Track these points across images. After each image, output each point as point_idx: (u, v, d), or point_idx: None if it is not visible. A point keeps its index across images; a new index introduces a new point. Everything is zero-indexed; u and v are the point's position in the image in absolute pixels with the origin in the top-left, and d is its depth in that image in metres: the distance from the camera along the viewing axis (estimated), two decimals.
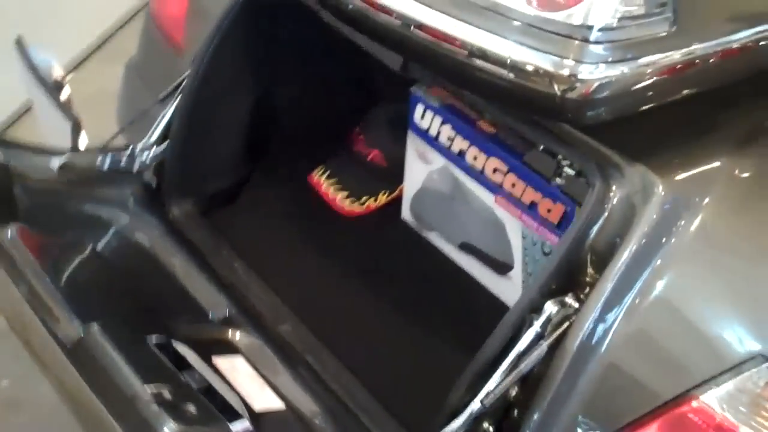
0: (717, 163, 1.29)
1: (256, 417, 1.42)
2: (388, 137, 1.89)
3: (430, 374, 1.55)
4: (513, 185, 1.61)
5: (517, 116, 1.42)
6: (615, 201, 1.27)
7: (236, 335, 1.57)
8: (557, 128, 1.34)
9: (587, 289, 1.26)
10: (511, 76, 1.17)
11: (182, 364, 1.44)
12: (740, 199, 1.27)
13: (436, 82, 1.66)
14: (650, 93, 1.20)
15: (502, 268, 1.70)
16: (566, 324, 1.25)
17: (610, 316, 1.22)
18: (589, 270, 1.27)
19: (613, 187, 1.27)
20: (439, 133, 1.72)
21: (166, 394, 1.25)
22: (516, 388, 1.29)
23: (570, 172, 1.52)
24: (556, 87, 1.15)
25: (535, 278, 1.37)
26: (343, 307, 1.69)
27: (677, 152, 1.29)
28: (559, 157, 1.51)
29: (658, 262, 1.22)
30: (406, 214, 1.89)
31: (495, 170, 1.63)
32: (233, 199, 1.87)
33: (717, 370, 1.18)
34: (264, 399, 1.46)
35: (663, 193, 1.24)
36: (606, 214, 1.26)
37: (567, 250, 1.27)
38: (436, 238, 1.83)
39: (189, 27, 1.91)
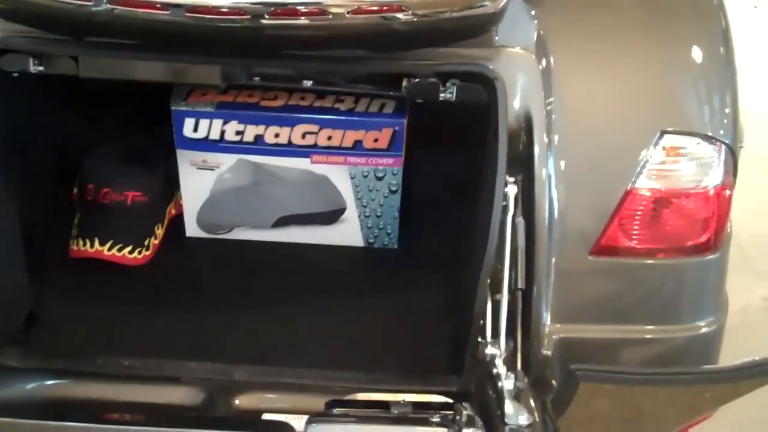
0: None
1: None
2: (137, 173, 1.81)
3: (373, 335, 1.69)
4: (329, 138, 1.74)
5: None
6: (517, 83, 1.53)
7: (230, 405, 1.51)
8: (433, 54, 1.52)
9: (529, 160, 1.52)
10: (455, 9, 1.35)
11: None
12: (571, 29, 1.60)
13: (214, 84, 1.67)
14: None
15: (332, 216, 1.83)
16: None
17: (551, 162, 1.51)
18: (522, 141, 1.53)
19: (511, 74, 1.52)
20: (223, 132, 1.73)
21: None
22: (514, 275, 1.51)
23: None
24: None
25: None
26: (247, 327, 1.68)
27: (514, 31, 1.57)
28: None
29: (556, 101, 1.53)
30: (192, 230, 1.86)
31: (305, 134, 1.73)
32: (44, 318, 1.67)
33: (638, 162, 1.54)
34: None
35: (533, 56, 1.54)
36: (516, 95, 1.52)
37: (508, 141, 1.50)
38: (240, 233, 1.86)
39: None
